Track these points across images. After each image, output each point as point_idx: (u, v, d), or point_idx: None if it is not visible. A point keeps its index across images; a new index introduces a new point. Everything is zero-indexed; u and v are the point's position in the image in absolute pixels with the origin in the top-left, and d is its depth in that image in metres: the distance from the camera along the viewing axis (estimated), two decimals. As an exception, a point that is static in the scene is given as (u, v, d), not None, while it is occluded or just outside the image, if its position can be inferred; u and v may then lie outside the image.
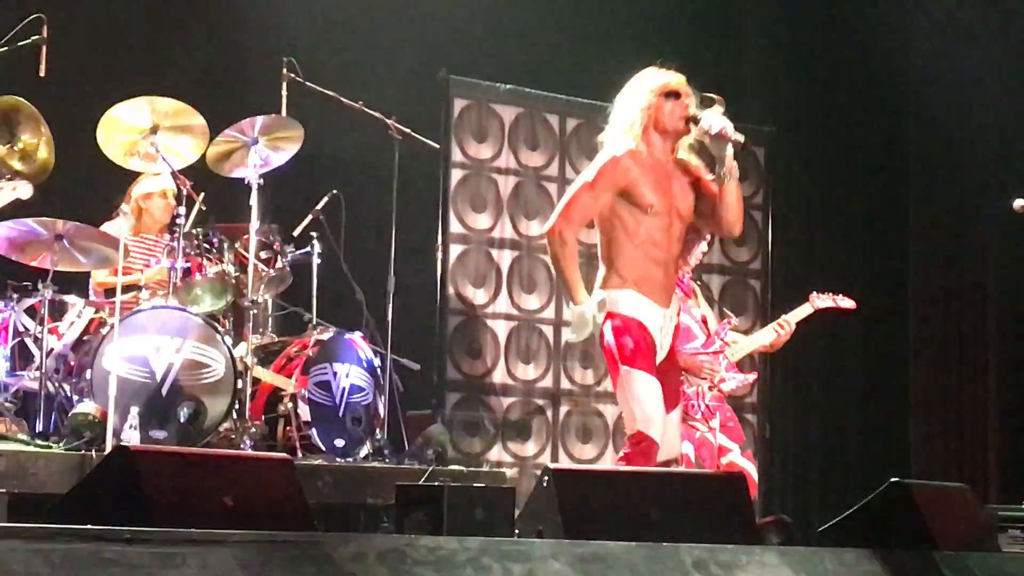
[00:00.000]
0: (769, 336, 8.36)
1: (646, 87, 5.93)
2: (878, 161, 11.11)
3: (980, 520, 5.55)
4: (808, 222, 10.94)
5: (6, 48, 7.49)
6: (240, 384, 7.52)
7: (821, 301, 8.35)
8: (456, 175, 9.59)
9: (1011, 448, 10.55)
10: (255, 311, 8.05)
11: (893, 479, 5.38)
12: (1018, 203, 7.28)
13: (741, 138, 5.81)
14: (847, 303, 8.41)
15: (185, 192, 7.92)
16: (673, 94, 5.90)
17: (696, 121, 5.87)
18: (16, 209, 7.05)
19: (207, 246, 7.98)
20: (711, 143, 5.89)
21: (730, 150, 5.83)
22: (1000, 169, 10.20)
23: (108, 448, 6.68)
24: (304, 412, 7.90)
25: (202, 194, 8.05)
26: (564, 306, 9.85)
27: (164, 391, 7.30)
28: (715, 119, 5.83)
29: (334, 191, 8.73)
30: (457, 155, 9.60)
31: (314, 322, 8.46)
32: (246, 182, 8.05)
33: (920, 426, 11.10)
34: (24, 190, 6.92)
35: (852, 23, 10.63)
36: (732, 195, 5.92)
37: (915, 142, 11.03)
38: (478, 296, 9.65)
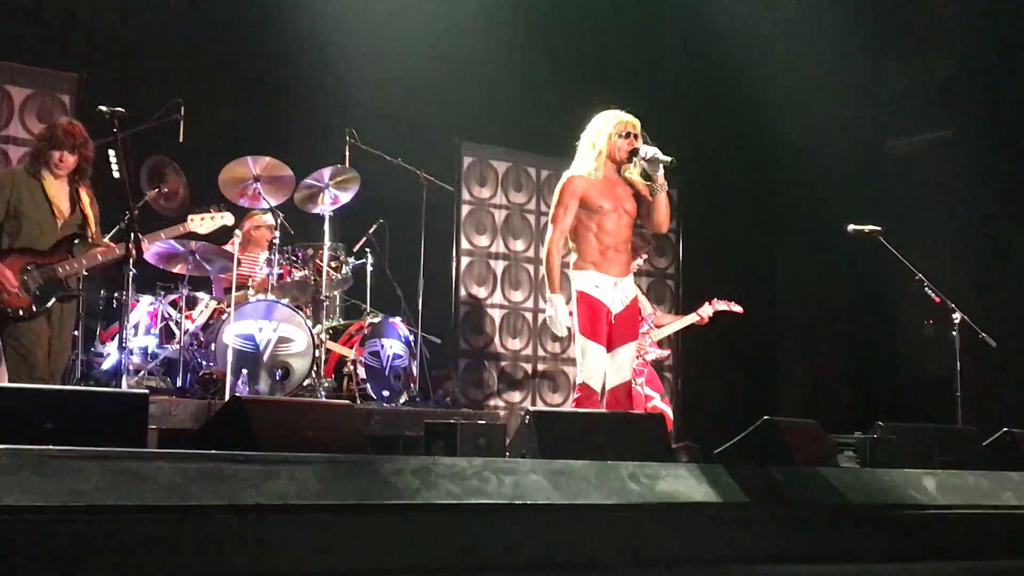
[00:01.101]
0: (688, 322, 8.41)
1: (607, 128, 5.92)
2: (758, 195, 11.11)
3: (824, 444, 5.55)
4: (709, 240, 10.95)
5: (156, 122, 7.52)
6: (317, 353, 7.52)
7: (720, 305, 8.36)
8: (465, 209, 9.61)
9: (846, 395, 10.59)
10: (327, 303, 8.07)
11: (766, 417, 5.38)
12: (851, 228, 7.29)
13: (669, 159, 5.79)
14: (737, 308, 8.42)
15: (280, 221, 7.93)
16: (625, 134, 5.92)
17: (636, 152, 5.88)
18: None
19: (294, 258, 7.99)
20: (647, 166, 5.89)
21: (661, 170, 5.83)
22: (844, 199, 10.20)
23: (226, 398, 6.72)
24: (361, 372, 7.90)
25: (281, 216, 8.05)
26: (540, 300, 9.87)
27: (264, 358, 7.30)
28: (649, 149, 5.84)
29: (381, 220, 8.72)
30: (466, 195, 9.62)
31: (368, 310, 8.46)
32: (321, 214, 8.07)
33: (784, 380, 11.14)
34: (228, 218, 6.92)
35: (736, 95, 10.62)
36: (662, 203, 5.95)
37: (784, 181, 11.03)
38: (481, 292, 9.66)
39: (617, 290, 5.88)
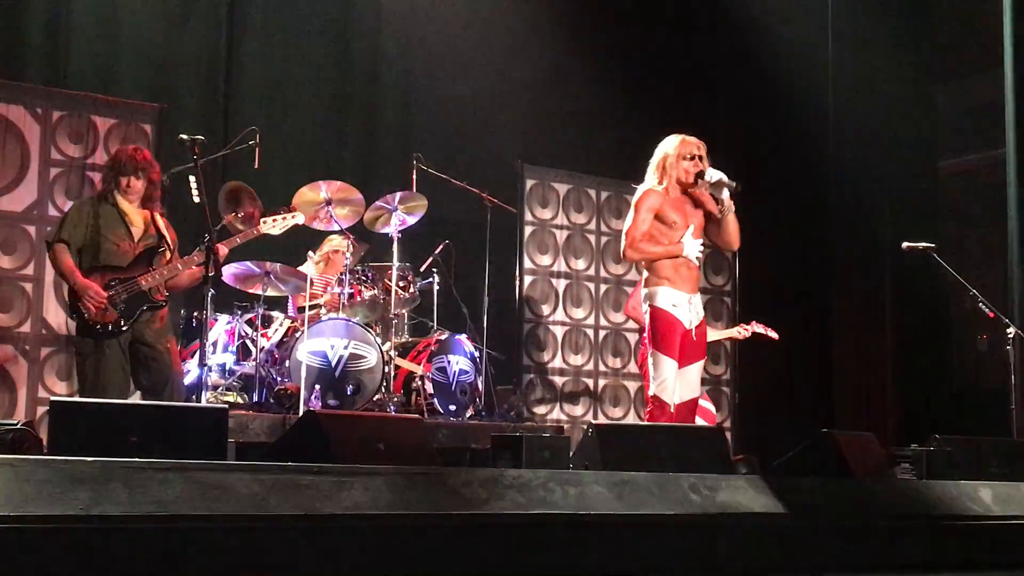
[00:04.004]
0: (730, 333, 8.44)
1: (674, 150, 5.92)
2: (814, 213, 10.98)
3: (881, 457, 5.50)
4: (765, 257, 10.85)
5: (232, 149, 7.61)
6: (387, 369, 7.55)
7: (757, 328, 8.35)
8: (528, 230, 9.60)
9: (902, 408, 10.45)
10: (396, 320, 8.10)
11: (823, 430, 5.33)
12: (905, 245, 7.23)
13: (734, 184, 5.82)
14: (773, 334, 8.38)
15: (350, 244, 7.98)
16: (690, 157, 5.91)
17: (703, 176, 5.89)
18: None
19: (364, 278, 8.03)
20: (712, 189, 5.91)
21: (726, 193, 5.85)
22: (897, 217, 10.09)
23: (300, 412, 6.76)
24: (429, 387, 7.92)
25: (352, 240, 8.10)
26: (602, 316, 9.84)
27: (336, 374, 7.34)
28: (714, 173, 5.85)
29: (447, 241, 8.76)
30: (528, 216, 9.61)
31: (435, 328, 8.49)
32: (389, 236, 8.12)
33: (840, 394, 11.00)
34: (300, 218, 6.85)
35: (792, 114, 10.55)
36: (732, 223, 6.01)
37: (837, 201, 10.92)
38: (543, 309, 9.65)
39: (692, 307, 5.87)
